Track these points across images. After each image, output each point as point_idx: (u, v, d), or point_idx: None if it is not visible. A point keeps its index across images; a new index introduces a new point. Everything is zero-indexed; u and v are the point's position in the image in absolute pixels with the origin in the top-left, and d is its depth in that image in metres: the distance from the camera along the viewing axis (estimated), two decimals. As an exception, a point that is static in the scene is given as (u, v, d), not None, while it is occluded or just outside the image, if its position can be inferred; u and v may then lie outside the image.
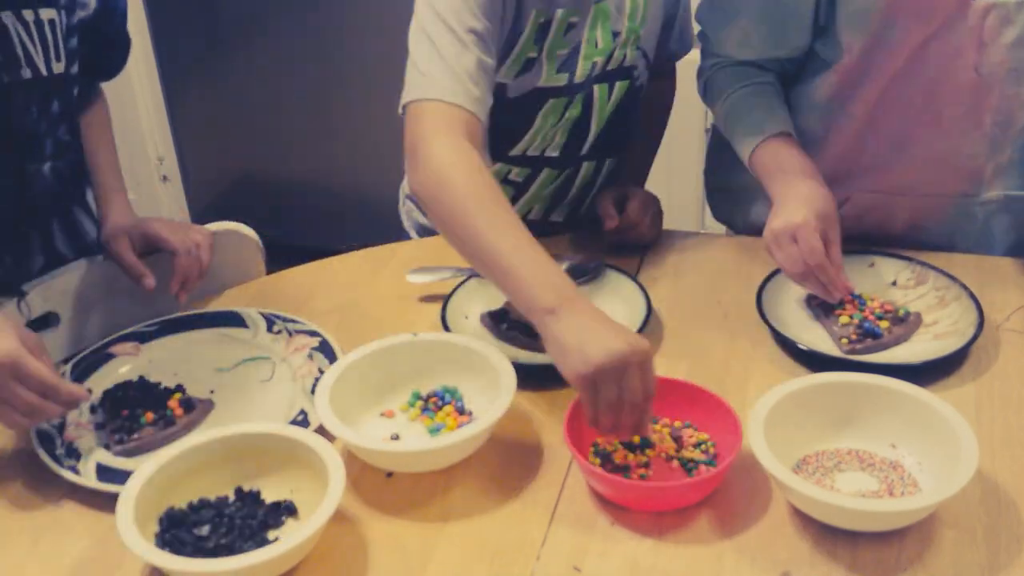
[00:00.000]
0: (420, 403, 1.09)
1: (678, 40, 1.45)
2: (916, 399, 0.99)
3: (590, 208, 1.45)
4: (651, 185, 2.21)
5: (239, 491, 0.98)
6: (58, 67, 1.20)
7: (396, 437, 1.06)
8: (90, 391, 1.10)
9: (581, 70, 1.30)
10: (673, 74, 1.53)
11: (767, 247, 1.18)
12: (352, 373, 1.07)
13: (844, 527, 0.92)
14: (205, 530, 0.93)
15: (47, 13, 1.17)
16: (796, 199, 1.18)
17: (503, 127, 1.31)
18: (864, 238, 1.32)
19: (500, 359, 1.08)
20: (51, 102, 1.21)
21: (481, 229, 1.03)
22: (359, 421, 1.07)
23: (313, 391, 1.11)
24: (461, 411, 1.08)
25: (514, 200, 1.42)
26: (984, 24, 1.20)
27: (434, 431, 1.06)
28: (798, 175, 1.22)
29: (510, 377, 1.05)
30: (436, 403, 1.09)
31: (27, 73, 1.16)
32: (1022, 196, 1.33)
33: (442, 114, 1.10)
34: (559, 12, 1.25)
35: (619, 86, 1.35)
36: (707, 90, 1.39)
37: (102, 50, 1.31)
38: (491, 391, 1.05)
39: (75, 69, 1.25)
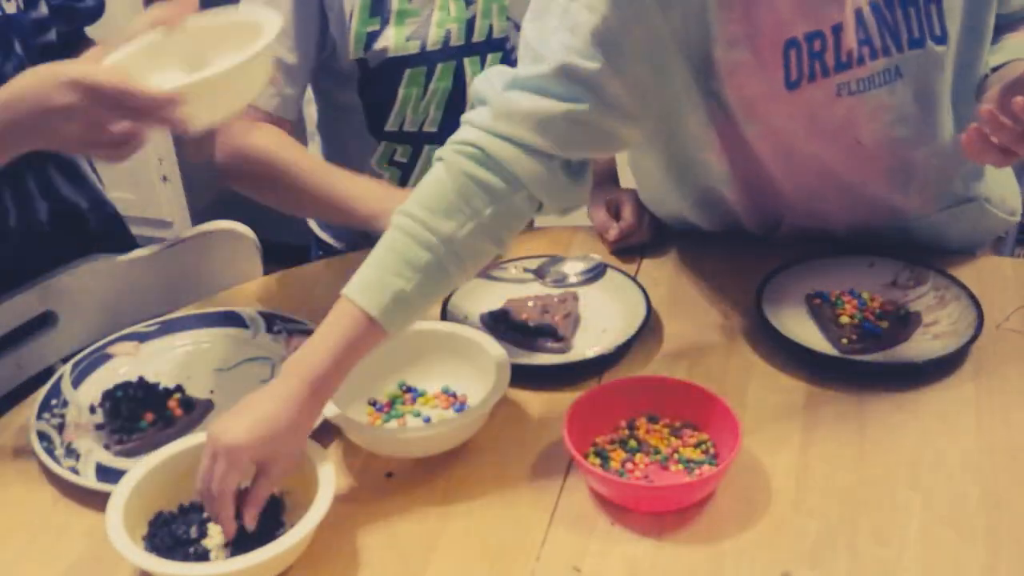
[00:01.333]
0: (407, 394, 1.11)
1: None
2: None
3: None
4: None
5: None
6: (8, 7, 1.16)
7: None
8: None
9: (434, 37, 1.31)
10: None
11: None
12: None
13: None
14: (194, 533, 0.93)
15: None
16: None
17: (371, 101, 1.36)
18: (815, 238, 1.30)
19: (493, 345, 1.09)
20: (11, 44, 1.16)
21: (305, 173, 1.24)
22: (349, 413, 1.07)
23: (313, 391, 1.12)
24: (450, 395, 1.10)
25: (403, 182, 1.41)
26: (857, 119, 1.14)
27: (415, 415, 1.07)
28: None
29: (504, 361, 1.06)
30: (411, 397, 1.10)
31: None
32: (951, 212, 1.28)
33: (249, 117, 1.27)
34: None
35: (491, 58, 1.34)
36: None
37: None
38: (486, 378, 1.06)
39: (38, 12, 1.20)
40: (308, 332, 1.19)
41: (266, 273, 1.39)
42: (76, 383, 1.15)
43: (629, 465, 1.00)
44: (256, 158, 1.26)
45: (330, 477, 0.92)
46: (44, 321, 1.26)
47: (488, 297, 1.26)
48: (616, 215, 1.36)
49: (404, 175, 1.41)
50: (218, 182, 1.31)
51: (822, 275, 1.25)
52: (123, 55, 0.99)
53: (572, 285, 1.28)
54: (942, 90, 1.17)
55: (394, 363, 1.11)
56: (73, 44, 1.28)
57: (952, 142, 1.20)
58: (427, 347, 1.13)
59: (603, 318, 1.23)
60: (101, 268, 1.28)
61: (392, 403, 1.10)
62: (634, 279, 1.27)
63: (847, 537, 0.93)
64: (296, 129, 1.36)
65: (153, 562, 0.87)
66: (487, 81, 1.05)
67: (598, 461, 1.00)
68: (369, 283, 0.96)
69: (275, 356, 1.19)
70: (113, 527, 0.88)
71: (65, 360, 1.19)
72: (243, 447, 0.89)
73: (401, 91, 1.35)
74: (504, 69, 1.06)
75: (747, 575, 0.90)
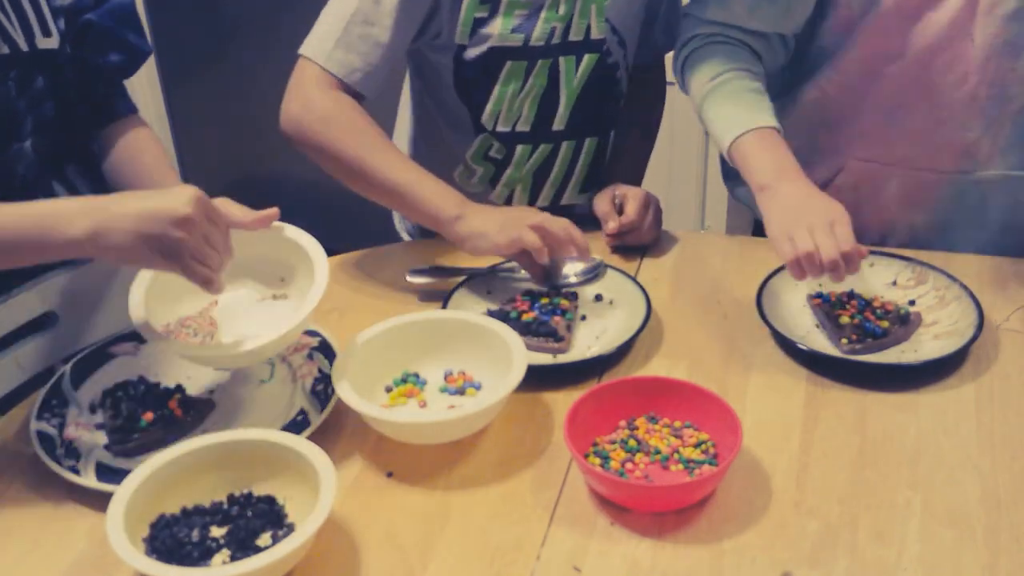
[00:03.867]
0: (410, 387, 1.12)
1: (663, 31, 1.45)
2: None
3: (578, 201, 1.45)
4: (650, 185, 2.20)
5: (231, 497, 0.98)
6: (46, 43, 1.18)
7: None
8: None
9: (539, 32, 1.31)
10: (661, 69, 1.52)
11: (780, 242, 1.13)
12: (357, 355, 1.09)
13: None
14: (195, 536, 0.93)
15: None
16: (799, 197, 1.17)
17: (469, 94, 1.37)
18: (856, 212, 1.31)
19: (507, 331, 1.11)
20: (34, 78, 1.18)
21: (376, 158, 1.26)
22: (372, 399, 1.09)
23: (313, 391, 1.12)
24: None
25: (495, 179, 1.43)
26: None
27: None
28: (796, 174, 1.19)
29: (520, 348, 1.08)
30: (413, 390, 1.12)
31: (3, 48, 1.13)
32: (1020, 176, 1.31)
33: (326, 79, 1.29)
34: None
35: (587, 59, 1.35)
36: (689, 64, 1.34)
37: (90, 49, 1.28)
38: (500, 365, 1.07)
39: (67, 51, 1.22)
40: (308, 332, 1.20)
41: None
42: (76, 383, 1.15)
43: (629, 465, 1.00)
44: (328, 117, 1.27)
45: (330, 480, 0.92)
46: (44, 321, 1.26)
47: (488, 297, 1.26)
48: (620, 210, 1.36)
49: (497, 171, 1.42)
50: (285, 138, 1.32)
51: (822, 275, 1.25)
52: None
53: (572, 285, 1.28)
54: None
55: (402, 353, 1.13)
56: (106, 98, 1.31)
57: None
58: (436, 336, 1.14)
59: (603, 318, 1.23)
60: (101, 268, 1.28)
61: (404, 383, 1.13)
62: (634, 279, 1.27)
63: (847, 537, 0.93)
64: (383, 116, 1.36)
65: (154, 566, 0.86)
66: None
67: (598, 461, 1.00)
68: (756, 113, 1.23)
69: (275, 356, 1.19)
70: (114, 529, 0.88)
71: (65, 360, 1.19)
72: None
73: (498, 87, 1.35)
74: None
75: (747, 575, 0.90)
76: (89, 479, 1.02)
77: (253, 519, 0.95)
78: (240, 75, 2.78)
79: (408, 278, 1.31)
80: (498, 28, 1.31)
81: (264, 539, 0.94)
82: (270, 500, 0.97)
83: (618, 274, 1.28)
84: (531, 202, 1.45)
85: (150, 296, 1.09)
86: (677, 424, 1.05)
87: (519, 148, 1.40)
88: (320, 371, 1.14)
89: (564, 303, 1.23)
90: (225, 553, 0.92)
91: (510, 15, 1.31)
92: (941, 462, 1.01)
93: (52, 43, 1.19)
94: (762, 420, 1.06)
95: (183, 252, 0.98)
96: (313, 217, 1.55)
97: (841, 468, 1.01)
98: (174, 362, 1.19)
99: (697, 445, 1.02)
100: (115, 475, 1.01)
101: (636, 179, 1.51)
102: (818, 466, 1.01)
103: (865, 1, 1.25)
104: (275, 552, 0.86)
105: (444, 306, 1.23)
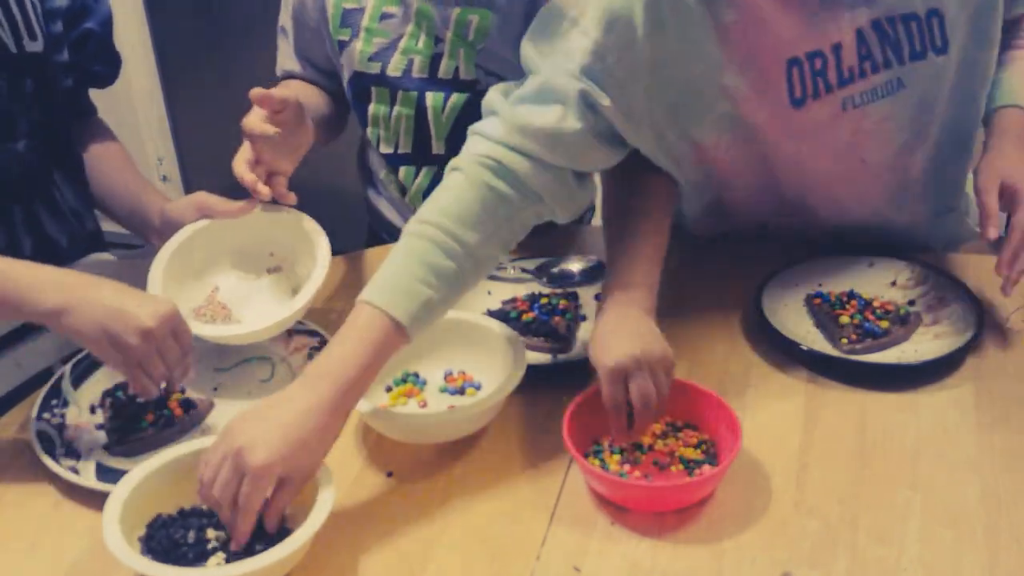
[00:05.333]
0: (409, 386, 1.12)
1: None
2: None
3: None
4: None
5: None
6: (33, 46, 1.19)
7: None
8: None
9: (395, 63, 1.31)
10: None
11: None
12: None
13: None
14: (192, 537, 0.93)
15: None
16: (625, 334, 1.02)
17: (356, 113, 1.39)
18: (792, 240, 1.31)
19: (507, 331, 1.11)
20: (23, 80, 1.19)
21: None
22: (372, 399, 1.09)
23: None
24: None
25: (404, 195, 1.42)
26: (861, 128, 1.15)
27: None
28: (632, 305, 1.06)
29: (520, 348, 1.08)
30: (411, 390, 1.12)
31: None
32: (935, 217, 1.30)
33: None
34: None
35: (455, 97, 1.32)
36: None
37: (88, 56, 1.31)
38: (500, 365, 1.08)
39: (61, 57, 1.24)
40: (308, 332, 1.20)
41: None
42: (76, 383, 1.15)
43: (629, 465, 1.00)
44: None
45: (330, 482, 0.92)
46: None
47: (488, 297, 1.26)
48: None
49: (402, 189, 1.42)
50: None
51: (822, 275, 1.26)
52: (171, 250, 1.17)
53: (572, 285, 1.28)
54: (941, 95, 1.18)
55: (402, 353, 1.12)
56: (77, 100, 1.33)
57: (944, 143, 1.22)
58: (436, 336, 1.14)
59: (603, 318, 1.23)
60: (101, 268, 1.28)
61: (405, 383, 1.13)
62: (634, 279, 1.27)
63: (847, 537, 0.93)
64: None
65: (150, 566, 0.86)
66: (497, 92, 1.07)
67: (598, 461, 1.00)
68: (396, 290, 0.96)
69: (275, 356, 1.19)
70: (110, 528, 0.88)
71: (65, 360, 1.19)
72: (274, 464, 0.87)
73: (370, 108, 1.36)
74: (510, 85, 1.08)
75: (747, 575, 0.90)
76: (88, 479, 1.02)
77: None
78: (240, 75, 2.77)
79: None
80: (357, 54, 1.32)
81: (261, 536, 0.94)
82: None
83: (618, 274, 1.28)
84: None
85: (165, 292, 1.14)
86: (677, 424, 1.05)
87: (402, 169, 1.39)
88: (320, 371, 1.14)
89: (564, 303, 1.23)
90: (220, 556, 0.92)
91: (368, 41, 1.31)
92: (941, 462, 1.01)
93: (37, 47, 1.20)
94: (762, 420, 1.06)
95: (132, 359, 0.99)
96: (312, 217, 1.56)
97: (841, 468, 1.01)
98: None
99: (697, 445, 1.02)
100: (115, 475, 1.01)
101: (637, 286, 1.09)
102: (818, 466, 1.01)
103: (731, 140, 1.16)
104: (275, 554, 0.86)
105: (444, 306, 1.23)
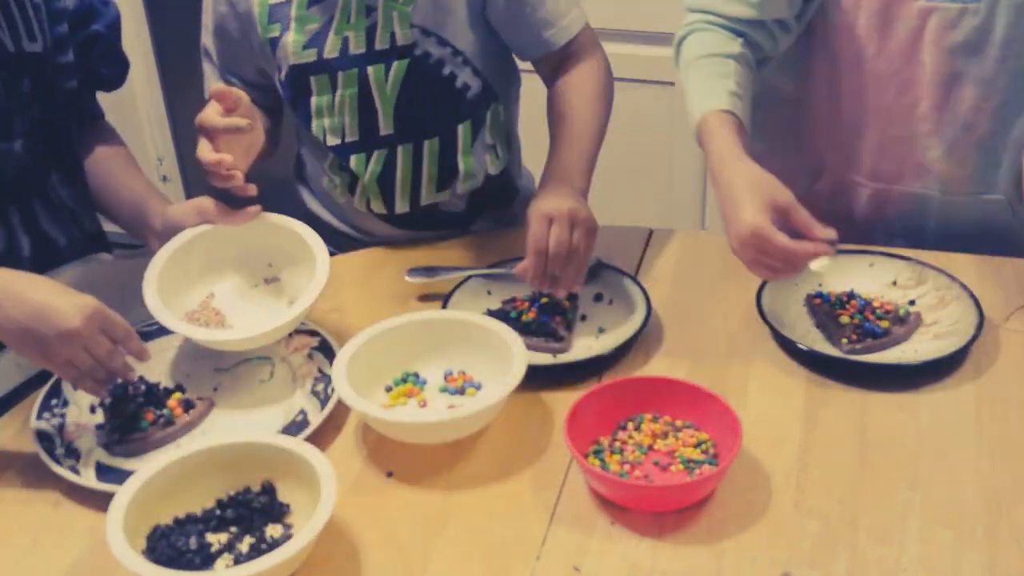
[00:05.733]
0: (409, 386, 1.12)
1: (516, 39, 1.35)
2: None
3: (440, 199, 1.40)
4: (650, 185, 2.19)
5: (230, 502, 0.97)
6: (32, 46, 1.18)
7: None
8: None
9: (331, 45, 1.29)
10: (586, 59, 1.35)
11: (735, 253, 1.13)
12: (357, 355, 1.09)
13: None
14: (194, 541, 0.92)
15: None
16: (744, 191, 1.12)
17: (294, 111, 1.38)
18: (832, 223, 1.32)
19: (507, 331, 1.11)
20: (21, 80, 1.19)
21: None
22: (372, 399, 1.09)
23: (313, 391, 1.12)
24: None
25: (352, 189, 1.40)
26: (926, 25, 1.23)
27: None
28: (739, 159, 1.17)
29: (520, 348, 1.08)
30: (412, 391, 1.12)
31: None
32: (992, 199, 1.34)
33: None
34: None
35: (396, 66, 1.30)
36: (679, 53, 1.34)
37: (95, 58, 1.30)
38: (500, 365, 1.08)
39: (65, 58, 1.24)
40: (308, 332, 1.20)
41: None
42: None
43: (628, 466, 1.00)
44: None
45: (331, 483, 0.92)
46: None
47: (488, 297, 1.26)
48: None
49: (352, 182, 1.39)
50: None
51: (822, 275, 1.25)
52: (169, 252, 1.17)
53: (572, 285, 1.28)
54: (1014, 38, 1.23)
55: (402, 353, 1.13)
56: (81, 102, 1.32)
57: (1008, 103, 1.27)
58: (436, 336, 1.15)
59: (602, 318, 1.23)
60: (101, 268, 1.28)
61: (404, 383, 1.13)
62: (634, 279, 1.27)
63: (847, 537, 0.93)
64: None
65: (155, 571, 0.86)
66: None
67: (598, 461, 1.00)
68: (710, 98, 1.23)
69: (275, 356, 1.19)
70: (119, 548, 0.87)
71: (65, 360, 1.19)
72: None
73: (312, 100, 1.34)
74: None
75: (747, 575, 0.90)
76: (89, 479, 1.02)
77: (252, 522, 0.95)
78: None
79: (407, 278, 1.31)
80: (290, 46, 1.30)
81: (274, 529, 0.94)
82: (271, 491, 0.97)
83: (618, 274, 1.28)
84: (388, 208, 1.40)
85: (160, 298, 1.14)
86: (677, 424, 1.05)
87: (353, 159, 1.37)
88: (320, 371, 1.15)
89: (564, 303, 1.23)
90: (227, 558, 0.92)
91: (300, 31, 1.29)
92: (941, 462, 1.01)
93: (37, 47, 1.20)
94: (762, 420, 1.06)
95: (59, 359, 1.00)
96: (313, 219, 1.56)
97: (841, 468, 1.01)
98: (174, 362, 1.19)
99: (697, 445, 1.02)
100: (115, 475, 1.01)
101: (569, 174, 1.26)
102: (818, 466, 1.01)
103: (816, 14, 1.28)
104: (277, 555, 0.86)
105: (444, 306, 1.23)
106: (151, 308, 1.11)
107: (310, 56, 1.30)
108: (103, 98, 1.39)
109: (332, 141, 1.36)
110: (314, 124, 1.36)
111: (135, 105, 2.81)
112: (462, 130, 1.36)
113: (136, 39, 2.70)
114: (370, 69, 1.30)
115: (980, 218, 1.36)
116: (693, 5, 1.33)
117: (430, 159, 1.37)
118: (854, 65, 1.30)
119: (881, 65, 1.29)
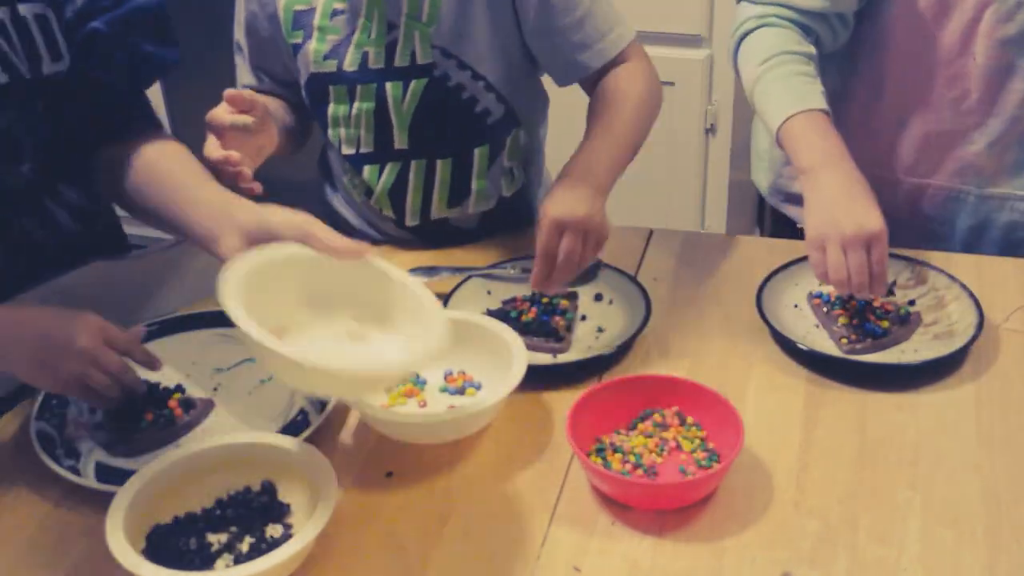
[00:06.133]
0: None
1: (568, 47, 1.29)
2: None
3: (450, 215, 1.39)
4: (651, 185, 2.19)
5: (230, 501, 0.97)
6: (55, 67, 1.15)
7: None
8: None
9: (351, 58, 1.29)
10: (633, 62, 1.32)
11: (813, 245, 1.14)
12: None
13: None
14: (193, 541, 0.92)
15: (28, 9, 1.13)
16: (869, 193, 1.15)
17: (314, 117, 1.38)
18: None
19: (507, 331, 1.11)
20: (35, 103, 1.16)
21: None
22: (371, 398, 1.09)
23: (313, 391, 1.12)
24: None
25: (370, 197, 1.40)
26: (982, 16, 1.24)
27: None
28: (842, 159, 1.19)
29: (520, 348, 1.08)
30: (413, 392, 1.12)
31: (1, 78, 1.11)
32: (1020, 197, 1.34)
33: None
34: None
35: (415, 84, 1.29)
36: (742, 50, 1.33)
37: (107, 60, 1.22)
38: (501, 365, 1.07)
39: (98, 72, 1.21)
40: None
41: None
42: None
43: (630, 464, 1.00)
44: None
45: (331, 484, 0.92)
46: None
47: (488, 297, 1.26)
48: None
49: (367, 190, 1.39)
50: None
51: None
52: (249, 265, 0.97)
53: (571, 285, 1.28)
54: None
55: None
56: (120, 113, 1.25)
57: None
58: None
59: (602, 317, 1.23)
60: (101, 268, 1.28)
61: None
62: (634, 279, 1.27)
63: (847, 537, 0.93)
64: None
65: (155, 571, 0.86)
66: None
67: (600, 460, 1.00)
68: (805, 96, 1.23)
69: (275, 356, 1.19)
70: (119, 548, 0.87)
71: (64, 360, 1.18)
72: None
73: (330, 109, 1.34)
74: None
75: (747, 574, 0.90)
76: (89, 479, 1.02)
77: (252, 523, 0.95)
78: (240, 75, 2.77)
79: (408, 278, 1.30)
80: (311, 54, 1.31)
81: (274, 529, 0.94)
82: (271, 491, 0.97)
83: (618, 274, 1.28)
84: (399, 219, 1.39)
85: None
86: (679, 422, 1.05)
87: (366, 169, 1.37)
88: (320, 371, 1.14)
89: (564, 303, 1.23)
90: (227, 558, 0.92)
91: (322, 40, 1.30)
92: (941, 462, 1.01)
93: (60, 66, 1.17)
94: (762, 420, 1.06)
95: (71, 380, 1.01)
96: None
97: (841, 468, 1.01)
98: (174, 362, 1.19)
99: (699, 443, 1.02)
100: (115, 475, 1.01)
101: (596, 167, 1.20)
102: (818, 466, 1.01)
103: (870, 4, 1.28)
104: (277, 556, 0.86)
105: (444, 306, 1.23)
106: (234, 315, 0.92)
107: (330, 66, 1.30)
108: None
109: (347, 151, 1.36)
110: (330, 132, 1.36)
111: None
112: (479, 153, 1.35)
113: (136, 39, 2.70)
114: (388, 85, 1.30)
115: (1011, 220, 1.36)
116: None
117: (442, 177, 1.36)
118: (906, 57, 1.30)
119: (933, 57, 1.29)
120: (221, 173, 1.13)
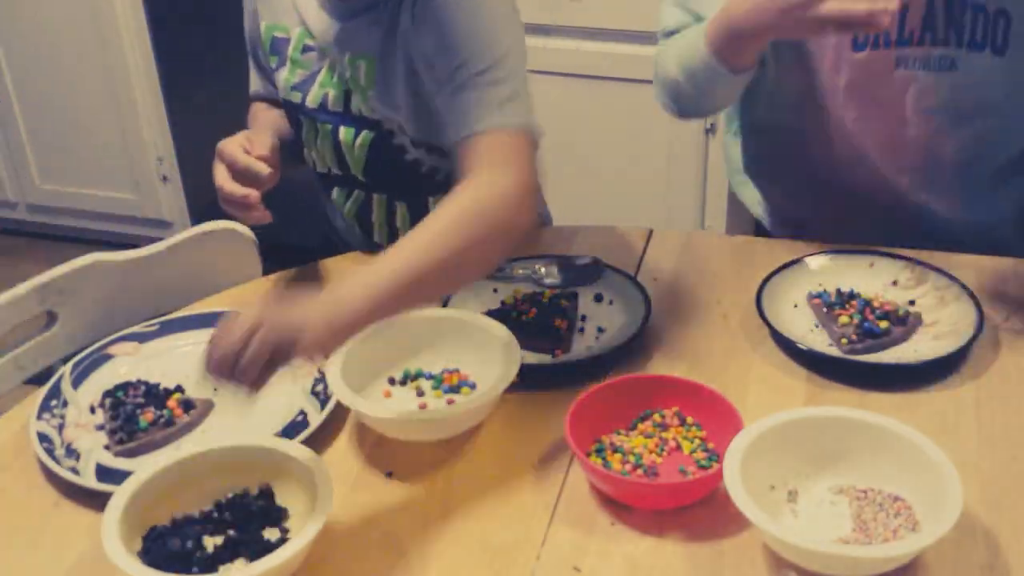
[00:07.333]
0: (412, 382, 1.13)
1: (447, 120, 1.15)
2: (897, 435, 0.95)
3: None
4: (651, 185, 2.20)
5: (227, 504, 0.97)
6: None
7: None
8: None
9: (313, 95, 1.31)
10: (477, 175, 1.05)
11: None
12: (355, 354, 1.09)
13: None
14: (191, 543, 0.92)
15: None
16: None
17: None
18: (837, 230, 1.35)
19: (502, 330, 1.11)
20: None
21: None
22: (367, 397, 1.09)
23: (313, 391, 1.12)
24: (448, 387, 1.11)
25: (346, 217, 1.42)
26: (906, 94, 1.27)
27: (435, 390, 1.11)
28: None
29: (514, 346, 1.08)
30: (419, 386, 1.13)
31: None
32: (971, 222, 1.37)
33: None
34: (293, 28, 1.30)
35: (364, 135, 1.30)
36: (659, 64, 1.34)
37: None
38: (494, 363, 1.08)
39: None
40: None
41: (266, 273, 1.39)
42: (76, 383, 1.15)
43: (630, 464, 1.00)
44: None
45: (328, 487, 0.92)
46: (44, 321, 1.26)
47: (488, 297, 1.26)
48: None
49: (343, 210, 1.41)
50: None
51: (822, 275, 1.26)
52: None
53: (572, 285, 1.28)
54: (992, 96, 1.25)
55: (400, 350, 1.14)
56: None
57: (992, 145, 1.31)
58: (433, 333, 1.15)
59: (602, 318, 1.23)
60: (101, 268, 1.28)
61: (405, 381, 1.13)
62: (634, 279, 1.27)
63: (847, 537, 0.93)
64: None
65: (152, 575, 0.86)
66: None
67: (600, 460, 1.00)
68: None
69: (275, 356, 1.19)
70: (113, 548, 0.87)
71: (65, 360, 1.19)
72: None
73: (302, 131, 1.36)
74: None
75: (747, 574, 0.90)
76: (89, 479, 1.02)
77: (249, 525, 0.95)
78: (240, 76, 2.78)
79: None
80: (282, 81, 1.33)
81: (271, 532, 0.94)
82: (269, 494, 0.97)
83: (618, 274, 1.28)
84: (367, 238, 1.41)
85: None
86: (679, 422, 1.05)
87: (335, 191, 1.39)
88: (320, 371, 1.14)
89: (564, 303, 1.23)
90: (225, 560, 0.91)
91: (293, 72, 1.32)
92: (941, 462, 1.01)
93: None
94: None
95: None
96: (312, 219, 1.56)
97: (841, 468, 1.00)
98: (174, 362, 1.19)
99: (699, 443, 1.02)
100: (115, 475, 1.01)
101: (348, 297, 0.97)
102: (818, 466, 1.01)
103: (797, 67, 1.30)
104: (277, 556, 0.86)
105: (443, 307, 1.23)
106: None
107: (296, 97, 1.33)
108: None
109: (319, 169, 1.38)
110: (304, 151, 1.38)
111: (135, 105, 2.81)
112: (432, 201, 1.35)
113: (136, 41, 2.70)
114: (342, 129, 1.31)
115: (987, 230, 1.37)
116: (668, 28, 1.34)
117: (402, 214, 1.38)
118: (836, 107, 1.30)
119: (860, 112, 1.30)
120: (235, 205, 1.17)
